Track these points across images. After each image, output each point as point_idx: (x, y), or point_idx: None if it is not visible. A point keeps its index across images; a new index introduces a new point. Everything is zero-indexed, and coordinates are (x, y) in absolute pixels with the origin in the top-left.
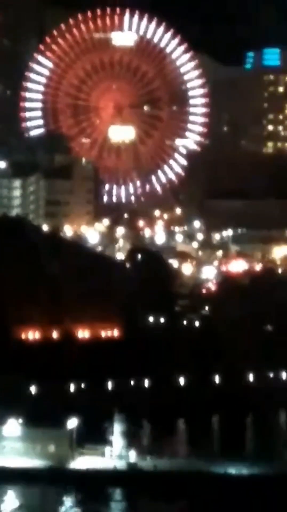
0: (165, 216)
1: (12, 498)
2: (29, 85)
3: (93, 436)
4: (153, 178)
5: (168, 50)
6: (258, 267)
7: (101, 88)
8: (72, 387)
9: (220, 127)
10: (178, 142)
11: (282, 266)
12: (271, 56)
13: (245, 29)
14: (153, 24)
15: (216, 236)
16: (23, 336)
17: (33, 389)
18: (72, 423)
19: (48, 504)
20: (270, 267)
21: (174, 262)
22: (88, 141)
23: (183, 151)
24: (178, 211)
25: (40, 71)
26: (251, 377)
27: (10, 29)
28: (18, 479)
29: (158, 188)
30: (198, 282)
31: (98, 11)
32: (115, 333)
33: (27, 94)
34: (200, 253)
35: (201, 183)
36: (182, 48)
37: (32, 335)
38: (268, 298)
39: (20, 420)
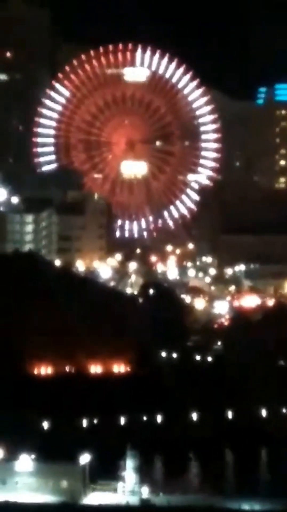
0: (178, 251)
1: None
2: (42, 120)
3: (106, 471)
4: (166, 213)
5: (180, 85)
6: (270, 302)
7: (113, 124)
8: (84, 422)
9: (232, 162)
10: (191, 177)
11: None
12: (283, 91)
13: (257, 64)
14: (165, 59)
15: (229, 271)
16: (35, 371)
17: (45, 424)
18: (85, 458)
19: None
20: (282, 302)
21: (186, 297)
22: (100, 176)
23: (196, 186)
24: (191, 246)
25: (53, 106)
26: (263, 413)
27: (22, 64)
28: None
29: (171, 223)
30: (210, 317)
31: (110, 47)
32: (128, 368)
33: (40, 130)
34: (212, 288)
35: (214, 218)
36: (194, 83)
37: (45, 370)
38: (281, 333)
39: (33, 456)
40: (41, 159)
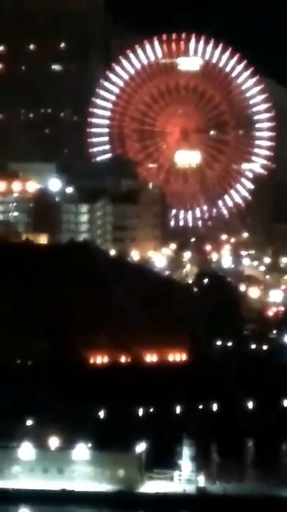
0: (232, 240)
1: None
2: (96, 110)
3: (162, 460)
4: (220, 202)
5: (234, 74)
6: None
7: (167, 113)
8: (140, 411)
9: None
10: (245, 166)
11: None
12: None
13: None
14: (219, 48)
15: (284, 260)
16: (91, 361)
17: (101, 413)
18: (141, 447)
19: None
20: None
21: (241, 286)
22: (154, 165)
23: (250, 175)
24: (245, 235)
25: (107, 96)
26: None
27: (77, 55)
28: (87, 503)
29: (225, 212)
30: (265, 306)
31: (164, 37)
32: (183, 357)
33: (94, 120)
34: (267, 277)
35: (268, 206)
36: (248, 72)
37: (101, 359)
38: None
39: (89, 444)
40: (96, 149)
